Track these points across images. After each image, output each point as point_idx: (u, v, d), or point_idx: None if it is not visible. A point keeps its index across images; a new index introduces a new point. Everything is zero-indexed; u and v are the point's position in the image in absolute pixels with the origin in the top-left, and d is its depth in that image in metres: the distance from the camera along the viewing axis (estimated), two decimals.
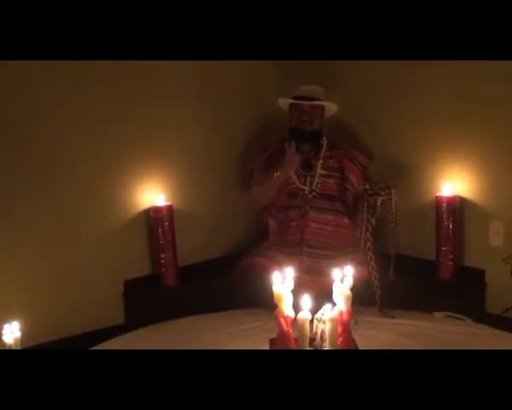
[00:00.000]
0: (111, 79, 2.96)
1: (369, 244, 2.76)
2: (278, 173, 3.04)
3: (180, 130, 3.25)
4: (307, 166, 3.11)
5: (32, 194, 2.78)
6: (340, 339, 2.00)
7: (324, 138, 3.15)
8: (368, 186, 2.81)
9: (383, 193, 2.74)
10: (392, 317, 2.71)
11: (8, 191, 2.72)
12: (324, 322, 1.99)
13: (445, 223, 2.96)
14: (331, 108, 3.13)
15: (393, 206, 2.74)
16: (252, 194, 3.23)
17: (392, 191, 2.73)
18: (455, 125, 3.00)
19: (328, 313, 1.98)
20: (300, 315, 1.93)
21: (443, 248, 2.98)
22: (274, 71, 3.46)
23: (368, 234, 2.76)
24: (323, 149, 3.12)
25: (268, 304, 2.11)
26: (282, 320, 1.98)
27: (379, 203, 2.75)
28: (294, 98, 3.10)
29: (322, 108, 3.11)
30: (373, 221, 2.78)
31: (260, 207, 3.22)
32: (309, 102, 3.06)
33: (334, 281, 2.05)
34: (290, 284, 2.00)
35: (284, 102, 3.15)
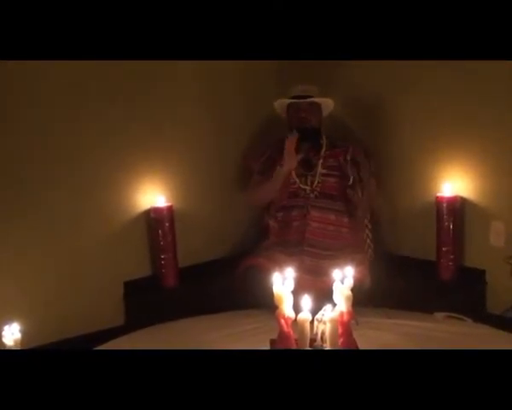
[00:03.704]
0: (111, 80, 2.96)
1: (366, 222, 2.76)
2: (280, 168, 3.04)
3: (180, 131, 3.25)
4: (308, 166, 3.10)
5: (32, 197, 2.78)
6: (341, 340, 1.99)
7: (324, 137, 3.14)
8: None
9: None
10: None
11: (9, 195, 2.72)
12: (325, 323, 1.98)
13: (446, 223, 2.96)
14: (328, 104, 3.13)
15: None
16: (249, 194, 3.22)
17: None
18: (455, 125, 3.00)
19: (328, 313, 1.98)
20: (301, 316, 1.92)
21: (443, 249, 2.98)
22: (275, 72, 3.46)
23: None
24: (323, 149, 3.12)
25: (268, 305, 2.11)
26: (283, 321, 1.97)
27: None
28: (291, 98, 3.10)
29: (319, 105, 3.11)
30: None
31: (258, 207, 3.23)
32: (306, 100, 3.06)
33: (334, 281, 2.04)
34: (290, 285, 1.99)
35: (281, 104, 3.14)
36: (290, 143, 3.01)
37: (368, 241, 2.74)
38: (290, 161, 3.03)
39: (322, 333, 2.00)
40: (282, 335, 1.98)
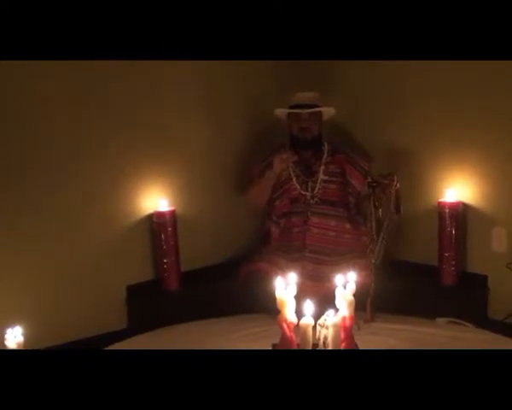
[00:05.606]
0: (114, 84, 2.97)
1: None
2: (270, 173, 3.06)
3: (183, 135, 3.26)
4: (309, 172, 3.11)
5: (35, 199, 2.79)
6: (343, 345, 2.00)
7: (325, 144, 3.15)
8: (370, 179, 2.76)
9: (386, 181, 2.67)
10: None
11: (11, 197, 2.73)
12: (327, 328, 1.98)
13: (448, 229, 2.96)
14: (329, 111, 3.13)
15: (394, 192, 2.67)
16: (246, 193, 3.23)
17: (395, 177, 2.66)
18: (458, 131, 3.00)
19: (330, 318, 1.98)
20: (303, 321, 1.93)
21: (446, 254, 2.98)
22: (276, 76, 3.46)
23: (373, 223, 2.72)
24: (325, 155, 3.12)
25: (271, 309, 2.11)
26: (285, 326, 1.97)
27: (394, 189, 2.67)
28: (291, 107, 3.10)
29: (320, 113, 3.11)
30: (380, 213, 2.72)
31: (255, 207, 3.23)
32: (307, 111, 3.05)
33: (336, 286, 2.05)
34: (293, 290, 2.00)
35: (281, 112, 3.15)
36: (283, 153, 3.05)
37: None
38: (279, 165, 3.05)
39: (325, 338, 2.00)
40: (285, 339, 1.98)
